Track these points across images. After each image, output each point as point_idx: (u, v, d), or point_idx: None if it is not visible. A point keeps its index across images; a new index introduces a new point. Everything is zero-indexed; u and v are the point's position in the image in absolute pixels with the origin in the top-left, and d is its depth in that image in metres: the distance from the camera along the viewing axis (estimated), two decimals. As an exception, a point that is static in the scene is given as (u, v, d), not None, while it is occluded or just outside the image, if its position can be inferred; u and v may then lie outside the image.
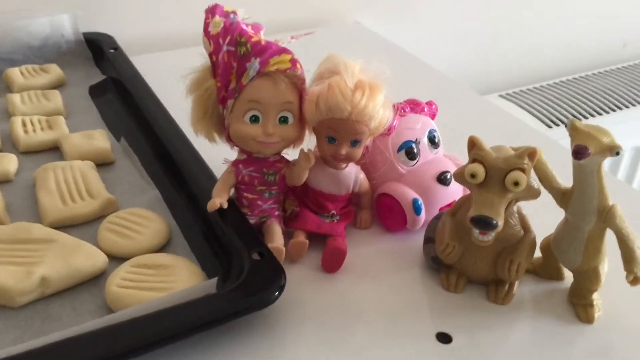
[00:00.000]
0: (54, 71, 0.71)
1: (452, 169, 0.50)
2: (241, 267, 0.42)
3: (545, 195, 0.43)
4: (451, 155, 0.53)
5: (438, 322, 0.43)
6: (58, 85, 0.70)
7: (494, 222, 0.40)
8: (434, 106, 0.53)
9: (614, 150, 0.38)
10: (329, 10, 0.91)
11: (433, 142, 0.51)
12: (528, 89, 1.04)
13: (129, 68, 0.70)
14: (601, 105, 1.01)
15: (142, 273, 0.43)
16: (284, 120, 0.45)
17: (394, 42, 0.86)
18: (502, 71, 1.09)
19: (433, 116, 0.53)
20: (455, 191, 0.50)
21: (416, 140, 0.50)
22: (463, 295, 0.45)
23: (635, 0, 1.16)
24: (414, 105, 0.51)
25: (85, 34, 0.76)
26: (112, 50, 0.74)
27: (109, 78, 0.71)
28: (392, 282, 0.47)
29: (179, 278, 0.43)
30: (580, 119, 0.97)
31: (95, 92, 0.70)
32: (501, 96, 1.01)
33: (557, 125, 0.94)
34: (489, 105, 0.75)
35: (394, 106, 0.48)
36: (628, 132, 1.01)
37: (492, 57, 1.07)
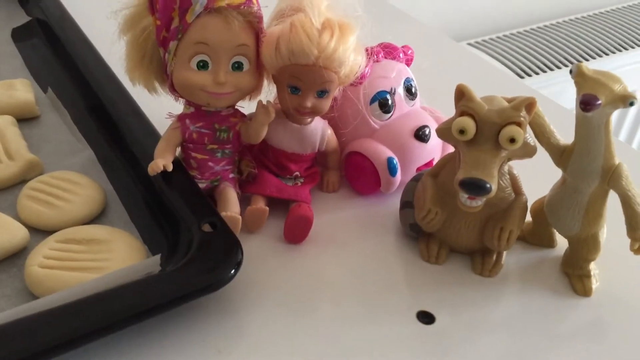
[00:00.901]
0: (-31, 11, 0.61)
1: (432, 123, 0.44)
2: (190, 241, 0.36)
3: (537, 153, 0.37)
4: (429, 108, 0.46)
5: (418, 300, 0.38)
6: (-26, 28, 0.61)
7: (487, 185, 0.34)
8: (410, 52, 0.47)
9: (627, 100, 0.33)
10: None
11: (410, 92, 0.45)
12: (498, 37, 0.98)
13: (57, 8, 0.61)
14: (574, 54, 0.96)
15: (71, 250, 0.37)
16: (238, 66, 0.38)
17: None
18: (469, 19, 1.03)
19: (409, 63, 0.46)
20: (435, 148, 0.44)
21: (391, 90, 0.44)
22: (445, 267, 0.40)
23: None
24: (388, 50, 0.45)
25: (6, -31, 0.66)
26: (37, -13, 0.64)
27: (34, 19, 0.62)
28: (365, 253, 0.41)
29: (116, 255, 0.36)
30: (555, 69, 0.92)
31: (19, 35, 0.61)
32: (469, 44, 0.95)
33: (529, 75, 0.90)
34: (469, 54, 0.69)
35: (366, 51, 0.42)
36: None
37: (460, 4, 1.01)
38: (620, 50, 1.00)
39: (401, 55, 0.46)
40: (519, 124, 0.34)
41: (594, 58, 0.96)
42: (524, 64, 0.93)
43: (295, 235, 0.40)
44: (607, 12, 1.09)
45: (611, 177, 0.35)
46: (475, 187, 0.34)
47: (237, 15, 0.37)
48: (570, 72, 0.34)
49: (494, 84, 0.62)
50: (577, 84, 0.34)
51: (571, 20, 1.05)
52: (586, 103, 0.32)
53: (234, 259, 0.35)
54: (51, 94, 0.52)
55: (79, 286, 0.33)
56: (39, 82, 0.54)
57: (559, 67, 0.92)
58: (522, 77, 0.89)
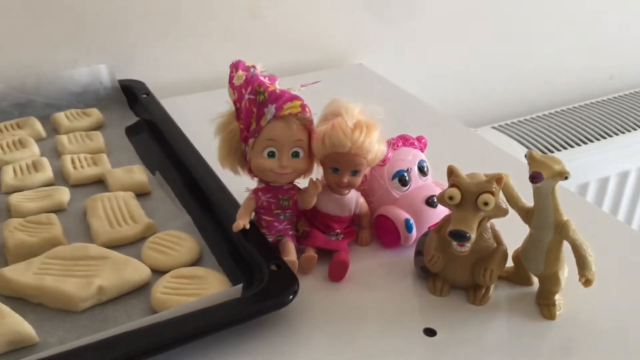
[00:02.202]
0: (95, 114, 0.81)
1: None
2: (262, 276, 0.51)
3: (514, 215, 0.51)
4: (438, 182, 0.62)
5: (425, 320, 0.52)
6: (98, 127, 0.80)
7: (467, 235, 0.48)
8: (423, 140, 0.62)
9: (563, 175, 0.47)
10: (335, 52, 1.01)
11: (422, 171, 0.60)
12: (519, 121, 1.13)
13: (160, 110, 0.80)
14: (589, 134, 1.09)
15: (181, 282, 0.53)
16: (295, 154, 0.55)
17: (393, 82, 0.96)
18: (495, 104, 1.17)
19: (422, 149, 0.62)
20: (442, 212, 0.59)
21: (407, 169, 0.59)
22: (447, 298, 0.54)
23: (620, 35, 1.26)
24: (405, 140, 0.61)
25: (120, 81, 0.86)
26: (144, 95, 0.84)
27: (142, 120, 0.81)
28: (388, 289, 0.55)
29: (211, 286, 0.52)
30: (569, 147, 1.06)
31: (131, 132, 0.80)
32: (494, 128, 1.10)
33: (552, 152, 1.03)
34: (474, 137, 0.84)
35: (387, 141, 0.58)
36: (615, 158, 1.10)
37: (486, 91, 1.16)
38: (636, 130, 1.13)
39: (415, 143, 0.61)
40: (491, 193, 0.49)
41: (607, 138, 1.09)
42: (542, 145, 1.06)
43: (336, 276, 0.55)
44: (622, 96, 1.22)
45: (562, 229, 0.49)
46: (459, 235, 0.49)
47: (295, 120, 0.54)
48: (525, 156, 0.49)
49: (497, 164, 0.76)
50: (529, 164, 0.48)
51: (586, 104, 1.19)
52: (533, 177, 0.47)
53: (293, 288, 0.50)
54: (158, 176, 0.70)
55: (187, 304, 0.49)
56: (148, 167, 0.72)
57: (572, 146, 1.05)
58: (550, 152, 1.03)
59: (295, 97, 0.54)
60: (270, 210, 0.57)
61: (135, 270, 0.54)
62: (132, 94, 0.85)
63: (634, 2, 1.24)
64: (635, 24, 1.26)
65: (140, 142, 0.78)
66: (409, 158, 0.60)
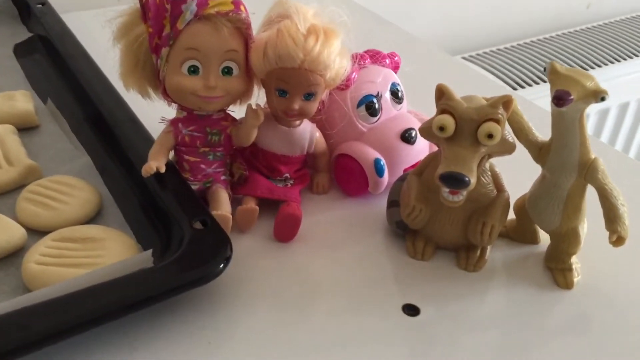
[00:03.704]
0: (-27, 28, 0.63)
1: (417, 126, 0.45)
2: (181, 238, 0.37)
3: (519, 152, 0.38)
4: (415, 111, 0.48)
5: (404, 294, 0.39)
6: (-23, 44, 0.63)
7: (466, 179, 0.35)
8: (396, 58, 0.48)
9: (598, 96, 0.34)
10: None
11: (396, 96, 0.46)
12: (492, 51, 1.00)
13: (58, 24, 0.63)
14: (566, 65, 0.98)
15: (66, 247, 0.38)
16: (227, 71, 0.40)
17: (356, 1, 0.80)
18: (465, 34, 1.05)
19: (396, 68, 0.48)
20: (421, 150, 0.45)
21: (377, 94, 0.45)
22: (431, 263, 0.41)
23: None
24: (374, 56, 0.46)
25: (9, -12, 0.68)
26: (39, 6, 0.66)
27: (36, 36, 0.64)
28: (353, 251, 0.42)
29: (110, 252, 0.37)
30: (542, 83, 0.94)
31: (21, 51, 0.63)
32: (464, 58, 0.97)
33: (523, 87, 0.91)
34: (457, 64, 0.71)
35: (352, 56, 0.43)
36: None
37: (457, 19, 1.03)
38: (613, 63, 1.02)
39: (387, 61, 0.47)
40: (497, 121, 0.36)
41: (592, 68, 0.98)
42: (518, 76, 0.94)
43: (284, 234, 0.42)
44: (600, 25, 1.11)
45: (588, 171, 0.37)
46: (455, 180, 0.35)
47: (226, 22, 0.39)
48: (544, 70, 0.36)
49: (485, 93, 0.63)
50: (551, 81, 0.35)
51: (564, 34, 1.07)
52: (559, 98, 0.34)
53: (224, 254, 0.36)
54: (50, 104, 0.54)
55: (72, 280, 0.34)
56: (39, 94, 0.55)
57: (538, 83, 0.94)
58: (515, 89, 0.91)
59: (226, -10, 0.39)
60: (195, 148, 0.42)
61: (1, 231, 0.38)
62: (25, 5, 0.67)
63: None
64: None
65: (31, 63, 0.61)
66: (379, 80, 0.46)
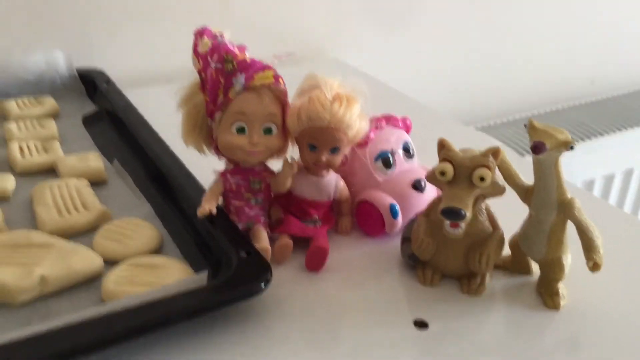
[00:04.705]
0: (49, 102, 0.75)
1: (426, 177, 0.54)
2: (230, 265, 0.45)
3: (511, 199, 0.46)
4: (425, 166, 0.56)
5: (415, 311, 0.46)
6: (52, 116, 0.74)
7: (462, 212, 0.43)
8: (408, 121, 0.57)
9: (568, 145, 0.42)
10: (310, 45, 0.96)
11: (408, 152, 0.55)
12: (502, 122, 1.09)
13: (121, 99, 0.74)
14: (572, 136, 1.06)
15: (137, 271, 0.46)
16: (268, 130, 0.49)
17: (374, 76, 0.91)
18: (477, 106, 1.14)
19: (408, 130, 0.57)
20: (430, 198, 0.53)
21: (392, 150, 0.54)
22: (439, 288, 0.48)
23: (601, 41, 1.24)
24: (389, 119, 0.56)
25: (78, 70, 0.80)
26: (105, 84, 0.78)
27: (102, 109, 0.75)
28: (373, 280, 0.49)
29: (171, 276, 0.46)
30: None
31: (89, 122, 0.73)
32: (477, 129, 1.06)
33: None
34: (466, 132, 0.80)
35: (370, 119, 0.52)
36: (598, 161, 1.06)
37: (467, 92, 1.13)
38: (615, 132, 1.10)
39: (400, 124, 0.56)
40: (487, 167, 0.44)
41: (589, 139, 1.06)
42: (526, 144, 1.02)
43: (314, 264, 0.49)
44: (604, 99, 1.20)
45: (566, 208, 0.44)
46: (453, 213, 0.43)
47: (268, 91, 0.48)
48: (525, 126, 0.44)
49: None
50: (530, 134, 0.43)
51: (569, 107, 1.16)
52: (536, 147, 0.42)
53: (265, 276, 0.44)
54: (117, 164, 0.63)
55: (143, 294, 0.42)
56: (106, 156, 0.65)
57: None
58: (523, 155, 0.99)
59: (267, 67, 0.49)
60: (240, 194, 0.51)
61: (84, 259, 0.47)
62: (92, 83, 0.79)
63: (614, 7, 1.22)
64: (615, 29, 1.24)
65: (98, 131, 0.71)
66: (393, 139, 0.55)
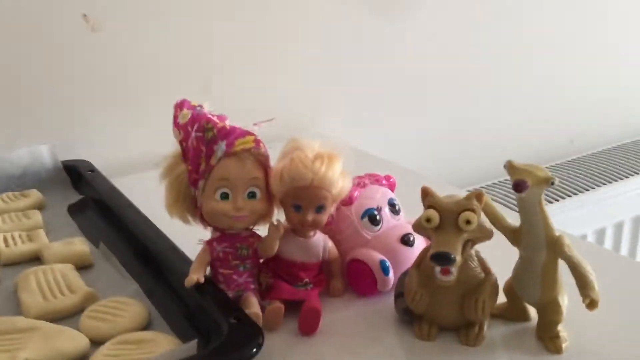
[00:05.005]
0: (34, 195, 0.74)
1: (414, 231, 0.53)
2: (220, 331, 0.44)
3: (502, 243, 0.46)
4: (412, 221, 0.56)
5: (415, 368, 0.44)
6: (38, 207, 0.73)
7: (452, 256, 0.43)
8: (391, 180, 0.58)
9: (549, 181, 0.43)
10: (292, 123, 0.98)
11: (394, 208, 0.55)
12: (487, 185, 1.10)
13: (105, 184, 0.74)
14: (555, 194, 1.07)
15: (124, 349, 0.44)
16: (252, 195, 0.49)
17: (358, 146, 0.92)
18: (462, 170, 1.15)
19: (392, 187, 0.57)
20: (419, 252, 0.53)
21: (377, 207, 0.54)
22: (437, 342, 0.47)
23: (580, 103, 1.27)
24: (373, 178, 0.56)
25: (63, 162, 0.80)
26: (89, 172, 0.78)
27: (87, 197, 0.75)
28: (369, 339, 0.48)
29: (160, 349, 0.44)
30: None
31: (74, 210, 0.73)
32: (468, 191, 1.07)
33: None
34: (454, 191, 0.80)
35: (354, 178, 0.53)
36: (585, 217, 1.06)
37: (447, 157, 1.14)
38: (599, 187, 1.11)
39: (384, 182, 0.57)
40: (472, 210, 0.44)
41: (571, 197, 1.07)
42: (513, 203, 1.03)
43: (308, 326, 0.48)
44: (584, 156, 1.22)
45: (555, 246, 0.44)
46: (442, 257, 0.43)
47: (249, 156, 0.49)
48: (505, 166, 0.44)
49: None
50: (510, 174, 0.44)
51: (552, 166, 1.18)
52: (518, 185, 0.42)
53: (257, 341, 0.43)
54: (102, 247, 0.63)
55: (132, 370, 0.41)
56: (91, 241, 0.65)
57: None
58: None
59: (248, 132, 0.49)
60: (228, 262, 0.50)
61: (69, 340, 0.45)
62: (76, 173, 0.79)
63: (590, 68, 1.27)
64: (593, 89, 1.28)
65: (83, 218, 0.71)
66: (378, 196, 0.55)
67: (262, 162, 0.50)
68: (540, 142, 1.24)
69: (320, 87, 1.00)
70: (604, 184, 1.10)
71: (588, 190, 1.07)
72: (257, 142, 0.49)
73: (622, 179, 1.12)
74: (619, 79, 1.32)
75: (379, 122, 1.07)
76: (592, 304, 0.43)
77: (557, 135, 1.27)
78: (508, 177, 1.11)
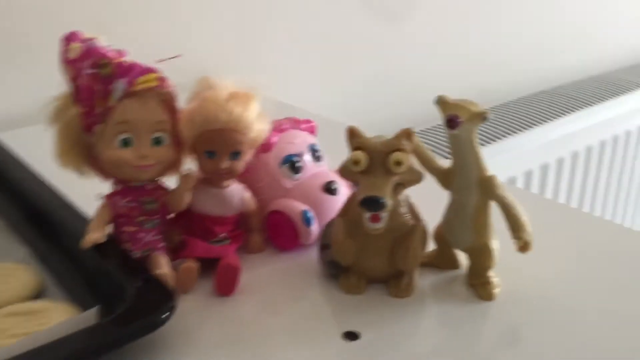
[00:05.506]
0: None
1: (339, 179, 0.50)
2: (124, 297, 0.39)
3: (432, 188, 0.43)
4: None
5: (343, 323, 0.41)
6: None
7: (382, 200, 0.39)
8: (311, 123, 0.53)
9: (483, 115, 0.40)
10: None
11: (316, 155, 0.51)
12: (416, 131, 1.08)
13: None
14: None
15: (12, 322, 0.38)
16: (158, 141, 0.43)
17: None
18: (381, 121, 1.13)
19: (312, 132, 0.53)
20: (344, 201, 0.49)
21: (298, 153, 0.50)
22: (365, 295, 0.44)
23: (487, 56, 1.28)
24: (292, 122, 0.51)
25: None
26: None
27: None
28: (293, 296, 0.44)
29: (55, 320, 0.38)
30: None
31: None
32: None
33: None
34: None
35: (272, 122, 0.48)
36: (498, 166, 1.08)
37: (373, 108, 1.12)
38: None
39: (304, 126, 0.52)
40: (403, 150, 0.40)
41: (489, 144, 1.07)
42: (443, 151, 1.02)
43: (225, 286, 0.43)
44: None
45: (487, 186, 0.41)
46: (372, 202, 0.39)
47: (153, 95, 0.43)
48: (435, 102, 0.41)
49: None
50: (442, 109, 0.41)
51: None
52: (450, 121, 0.39)
53: (168, 304, 0.38)
54: (-15, 207, 0.55)
55: (17, 344, 0.35)
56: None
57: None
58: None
59: (150, 69, 0.43)
60: (133, 219, 0.44)
61: (-58, 314, 0.39)
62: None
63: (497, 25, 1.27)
64: (501, 46, 1.29)
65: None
66: (298, 141, 0.50)
67: (169, 103, 0.44)
68: (452, 92, 1.24)
69: (236, 36, 0.94)
70: (513, 133, 1.12)
71: (500, 138, 1.08)
72: (161, 79, 0.43)
73: (527, 128, 1.14)
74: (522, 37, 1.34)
75: (298, 74, 1.02)
76: (525, 246, 0.41)
77: (469, 89, 1.27)
78: (429, 126, 1.09)
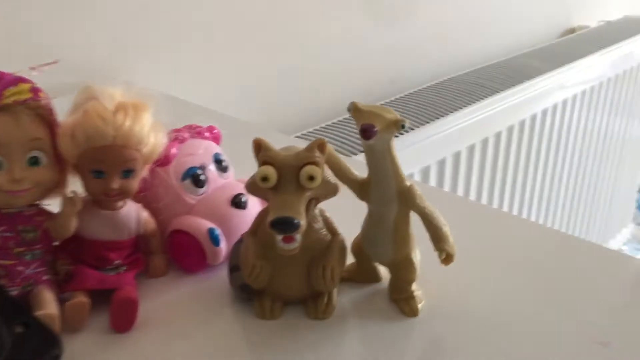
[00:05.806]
0: None
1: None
2: (2, 346, 0.33)
3: (348, 198, 0.40)
4: (243, 179, 0.48)
5: (260, 353, 0.37)
6: None
7: (295, 221, 0.35)
8: (215, 131, 0.49)
9: (399, 124, 0.37)
10: (89, 70, 0.84)
11: (221, 166, 0.46)
12: (309, 131, 1.05)
13: None
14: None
15: None
16: (34, 161, 0.38)
17: (173, 95, 0.81)
18: (289, 116, 1.09)
19: (216, 140, 0.48)
20: (254, 214, 0.45)
21: (201, 165, 0.45)
22: (282, 320, 0.40)
23: (399, 43, 1.27)
24: (193, 130, 0.47)
25: None
26: None
27: None
28: (201, 325, 0.40)
29: None
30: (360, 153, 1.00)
31: None
32: (297, 137, 1.01)
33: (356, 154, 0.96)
34: (287, 141, 0.72)
35: (170, 131, 0.43)
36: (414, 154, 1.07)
37: (281, 102, 1.08)
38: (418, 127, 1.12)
39: (207, 134, 0.48)
40: (315, 163, 0.37)
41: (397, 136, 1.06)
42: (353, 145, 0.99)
43: (122, 322, 0.38)
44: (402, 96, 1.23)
45: (406, 198, 0.39)
46: (285, 224, 0.35)
47: (25, 110, 0.37)
48: (348, 109, 0.38)
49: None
50: (355, 118, 0.37)
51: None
52: (365, 130, 0.36)
53: (52, 353, 0.33)
54: None
55: None
56: None
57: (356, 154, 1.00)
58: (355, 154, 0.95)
59: (21, 79, 0.38)
60: (9, 250, 0.39)
61: None
62: None
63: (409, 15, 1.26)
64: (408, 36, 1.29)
65: None
66: (201, 151, 0.46)
67: (45, 117, 0.38)
68: (363, 83, 1.22)
69: (127, 23, 0.86)
70: (426, 123, 1.11)
71: (413, 129, 1.07)
72: (35, 91, 0.38)
73: (442, 116, 1.14)
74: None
75: (199, 68, 0.96)
76: (448, 258, 0.39)
77: (379, 76, 1.26)
78: (336, 120, 1.07)
